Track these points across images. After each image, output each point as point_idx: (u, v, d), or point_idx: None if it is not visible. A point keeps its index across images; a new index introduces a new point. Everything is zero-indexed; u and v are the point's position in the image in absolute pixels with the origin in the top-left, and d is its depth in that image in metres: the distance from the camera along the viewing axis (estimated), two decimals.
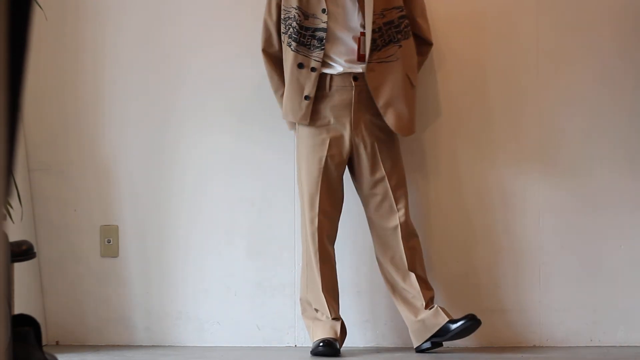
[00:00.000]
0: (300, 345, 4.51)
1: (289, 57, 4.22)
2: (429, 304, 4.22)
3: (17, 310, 3.82)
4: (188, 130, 4.56)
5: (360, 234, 4.43)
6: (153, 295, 4.55)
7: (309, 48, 4.18)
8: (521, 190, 4.48)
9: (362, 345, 4.49)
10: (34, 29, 1.16)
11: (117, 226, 4.57)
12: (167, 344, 4.54)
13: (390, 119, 4.16)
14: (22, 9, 1.09)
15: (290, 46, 4.21)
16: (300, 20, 4.18)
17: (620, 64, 4.47)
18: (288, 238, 4.53)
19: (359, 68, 4.18)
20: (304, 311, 4.33)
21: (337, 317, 4.26)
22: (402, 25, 4.20)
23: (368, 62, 4.14)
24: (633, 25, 4.48)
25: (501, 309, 4.47)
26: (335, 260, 4.29)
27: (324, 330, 4.23)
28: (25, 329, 2.85)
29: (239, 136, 4.54)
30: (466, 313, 4.24)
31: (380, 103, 4.15)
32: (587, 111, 4.49)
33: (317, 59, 4.17)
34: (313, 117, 4.22)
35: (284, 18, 4.23)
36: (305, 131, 4.26)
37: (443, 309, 4.20)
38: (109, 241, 4.57)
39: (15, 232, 4.17)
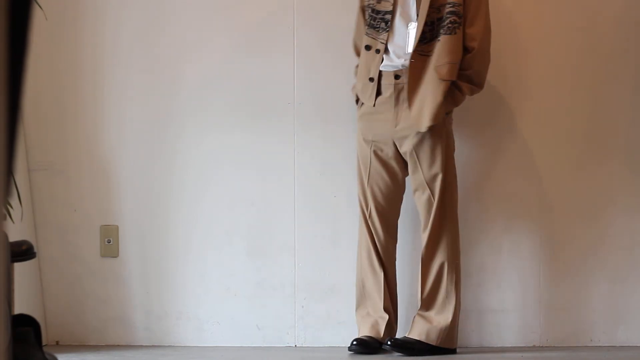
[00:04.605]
0: (300, 345, 4.51)
1: (363, 41, 4.29)
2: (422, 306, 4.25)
3: (17, 310, 3.82)
4: (188, 130, 4.56)
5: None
6: (153, 295, 4.55)
7: (378, 31, 4.23)
8: (521, 190, 4.48)
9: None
10: (34, 29, 1.16)
11: (117, 226, 4.57)
12: (167, 344, 4.54)
13: (412, 111, 4.15)
14: (22, 9, 1.09)
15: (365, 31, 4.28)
16: (373, 5, 4.24)
17: (621, 64, 4.47)
18: (288, 238, 4.52)
19: (402, 61, 4.19)
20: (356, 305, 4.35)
21: (382, 314, 4.25)
22: (448, 21, 4.16)
23: (413, 51, 4.15)
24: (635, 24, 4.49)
25: (501, 309, 4.47)
26: (388, 258, 4.28)
27: (366, 327, 4.26)
28: (25, 329, 2.84)
29: (238, 136, 4.54)
30: (464, 314, 4.23)
31: (411, 97, 4.15)
32: (587, 111, 4.49)
33: (382, 40, 4.21)
34: (366, 116, 4.27)
35: (366, 6, 4.30)
36: (359, 126, 4.30)
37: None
38: (109, 241, 4.57)
39: (15, 232, 4.16)
